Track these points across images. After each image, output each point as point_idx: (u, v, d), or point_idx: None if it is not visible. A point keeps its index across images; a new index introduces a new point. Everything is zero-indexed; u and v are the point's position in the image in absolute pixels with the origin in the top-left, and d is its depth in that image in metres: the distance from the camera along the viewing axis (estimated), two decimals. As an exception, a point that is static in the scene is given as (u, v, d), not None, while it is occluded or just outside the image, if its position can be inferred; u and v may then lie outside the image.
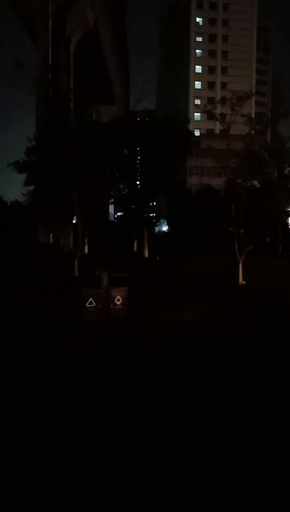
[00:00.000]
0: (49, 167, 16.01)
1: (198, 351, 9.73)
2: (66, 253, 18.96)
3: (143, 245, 31.08)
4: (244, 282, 17.57)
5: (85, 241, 16.94)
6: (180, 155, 26.07)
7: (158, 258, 25.27)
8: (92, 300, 11.20)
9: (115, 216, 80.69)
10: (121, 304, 11.78)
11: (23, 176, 25.56)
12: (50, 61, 34.79)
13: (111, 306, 11.64)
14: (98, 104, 51.42)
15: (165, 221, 57.33)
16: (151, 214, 37.84)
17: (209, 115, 21.89)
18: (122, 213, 59.52)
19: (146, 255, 27.66)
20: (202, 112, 33.52)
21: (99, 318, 11.47)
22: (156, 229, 53.17)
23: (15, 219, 47.25)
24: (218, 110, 27.49)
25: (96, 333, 11.11)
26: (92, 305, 11.23)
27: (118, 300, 11.70)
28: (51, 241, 32.68)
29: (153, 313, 13.05)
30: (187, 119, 27.62)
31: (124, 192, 33.21)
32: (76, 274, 15.22)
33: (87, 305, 11.20)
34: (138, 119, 24.30)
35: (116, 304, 11.70)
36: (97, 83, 52.18)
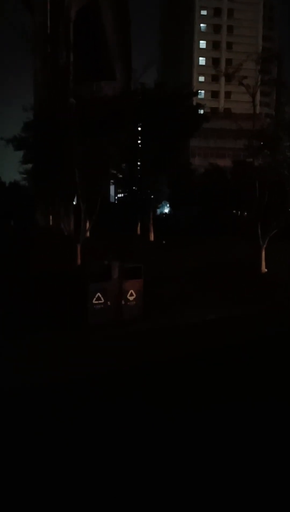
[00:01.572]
0: (48, 145, 14.51)
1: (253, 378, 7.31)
2: (67, 237, 17.57)
3: (146, 227, 29.82)
4: (266, 270, 16.16)
5: (88, 225, 15.56)
6: (189, 132, 24.42)
7: (164, 242, 23.98)
8: (100, 295, 9.37)
9: (116, 197, 78.95)
10: (134, 300, 9.85)
11: (20, 154, 24.04)
12: (48, 31, 32.74)
13: (123, 302, 9.80)
14: (98, 80, 49.21)
15: (167, 203, 55.84)
16: (152, 196, 36.48)
17: (228, 78, 20.03)
18: (123, 195, 58.06)
19: (152, 238, 26.37)
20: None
21: (108, 317, 9.73)
22: (158, 211, 51.73)
23: (14, 201, 45.91)
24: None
25: (105, 339, 9.29)
26: (100, 302, 9.42)
27: (131, 295, 9.82)
28: (50, 223, 31.30)
29: (171, 310, 11.33)
30: (196, 92, 25.66)
31: (126, 172, 31.73)
32: (79, 262, 13.83)
33: (94, 301, 9.39)
34: (143, 92, 22.42)
35: (128, 300, 9.81)
36: (97, 58, 49.90)
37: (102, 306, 9.42)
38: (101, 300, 9.41)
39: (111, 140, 13.84)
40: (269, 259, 16.69)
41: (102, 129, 14.42)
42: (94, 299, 9.39)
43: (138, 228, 33.59)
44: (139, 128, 24.96)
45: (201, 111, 24.02)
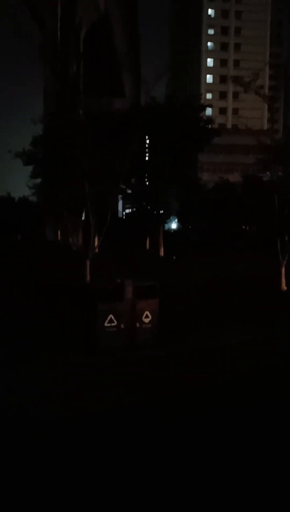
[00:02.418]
0: (57, 158, 14.11)
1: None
2: (75, 252, 17.04)
3: (155, 243, 29.28)
4: (286, 288, 15.21)
5: (98, 240, 15.01)
6: (200, 146, 24.02)
7: (174, 257, 23.39)
8: (112, 317, 8.38)
9: (123, 213, 78.84)
10: (150, 322, 8.86)
11: (29, 169, 23.82)
12: (58, 47, 32.96)
13: (138, 325, 8.81)
14: (108, 96, 49.50)
15: (175, 218, 55.52)
16: (161, 211, 36.11)
17: (245, 85, 19.49)
18: (131, 210, 57.88)
19: (162, 253, 25.82)
20: (232, 81, 31.41)
21: (122, 341, 8.73)
22: (165, 226, 51.34)
23: (22, 216, 45.97)
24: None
25: (116, 367, 8.21)
26: (113, 324, 8.42)
27: (147, 317, 8.85)
28: (59, 238, 30.94)
29: (187, 332, 10.34)
30: (208, 105, 25.24)
31: (135, 187, 31.39)
32: (88, 278, 13.19)
33: (106, 324, 8.40)
34: (154, 105, 22.03)
35: (143, 323, 8.83)
36: (107, 75, 50.24)
37: (114, 329, 8.44)
38: (113, 322, 8.42)
39: (121, 153, 13.38)
40: (288, 276, 15.86)
41: (112, 141, 14.01)
42: (106, 321, 8.40)
43: (147, 243, 33.13)
44: (148, 141, 24.61)
45: (211, 125, 23.60)
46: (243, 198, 31.58)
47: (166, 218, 31.31)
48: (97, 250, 17.15)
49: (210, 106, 26.18)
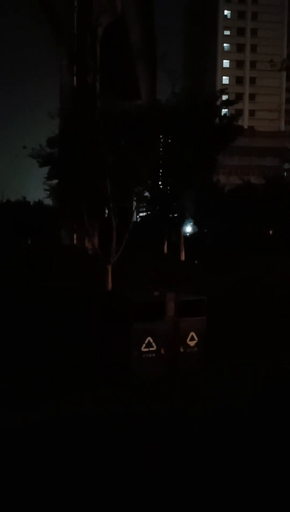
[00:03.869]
0: (76, 156, 13.25)
1: None
2: (92, 257, 16.15)
3: (173, 247, 28.30)
4: None
5: (118, 244, 14.08)
6: (222, 146, 22.94)
7: (197, 262, 22.35)
8: (151, 341, 6.60)
9: (137, 216, 77.97)
10: (196, 345, 7.01)
11: (44, 172, 23.09)
12: (75, 47, 32.37)
13: (182, 349, 6.95)
14: (124, 99, 48.76)
15: (190, 221, 54.60)
16: (175, 214, 35.16)
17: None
18: (146, 213, 56.97)
19: (183, 257, 24.79)
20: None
21: (162, 369, 6.85)
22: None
23: (38, 220, 45.73)
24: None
25: (155, 408, 5.94)
26: (152, 349, 6.65)
27: (192, 339, 7.00)
28: (74, 242, 30.23)
29: (237, 356, 8.19)
30: (233, 100, 24.04)
31: (152, 189, 30.45)
32: (110, 286, 12.21)
33: (143, 349, 6.62)
34: (175, 101, 20.95)
35: (188, 346, 6.96)
36: (123, 77, 49.60)
37: (153, 355, 6.59)
38: (152, 347, 6.57)
39: (145, 150, 12.44)
40: None
41: (134, 139, 13.11)
42: (143, 345, 6.55)
43: (165, 247, 32.22)
44: (169, 140, 23.57)
45: (234, 123, 22.43)
46: (266, 200, 30.43)
47: (183, 221, 30.32)
48: (118, 254, 16.25)
49: (232, 102, 24.95)
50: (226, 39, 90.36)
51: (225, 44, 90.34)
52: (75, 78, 30.95)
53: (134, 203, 21.80)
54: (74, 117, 18.34)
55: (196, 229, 56.83)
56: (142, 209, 61.03)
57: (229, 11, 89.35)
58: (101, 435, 5.27)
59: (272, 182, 33.67)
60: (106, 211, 26.94)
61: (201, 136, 20.90)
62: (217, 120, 22.22)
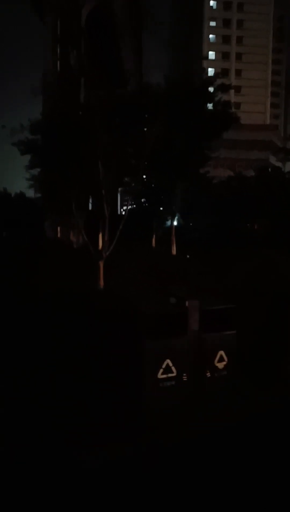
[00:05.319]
0: (64, 140, 11.90)
1: None
2: (80, 252, 14.85)
3: (164, 240, 27.15)
4: None
5: (106, 237, 12.83)
6: (216, 134, 21.72)
7: (188, 256, 21.27)
8: (169, 364, 4.81)
9: (122, 209, 76.46)
10: (225, 367, 5.19)
11: (25, 162, 21.67)
12: (58, 31, 30.80)
13: (208, 373, 5.11)
14: (110, 86, 47.11)
15: (177, 214, 53.65)
16: (161, 208, 33.97)
17: None
18: (131, 206, 55.65)
19: (174, 252, 23.64)
20: None
21: (181, 399, 4.97)
22: (166, 223, 49.54)
23: (20, 213, 44.15)
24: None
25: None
26: (171, 375, 4.84)
27: (221, 359, 5.16)
28: (58, 235, 28.88)
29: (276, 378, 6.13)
30: (229, 85, 22.64)
31: (140, 181, 29.15)
32: (102, 284, 10.92)
33: (160, 375, 4.80)
34: (168, 85, 19.52)
35: (216, 369, 5.14)
36: (109, 65, 47.94)
37: (173, 383, 4.79)
38: (172, 372, 4.77)
39: (141, 135, 11.20)
40: None
41: (127, 120, 11.86)
42: (161, 371, 4.73)
43: (153, 240, 31.15)
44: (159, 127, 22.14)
45: (230, 109, 21.21)
46: (258, 192, 29.52)
47: (173, 215, 29.17)
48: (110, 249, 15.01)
49: (231, 87, 23.66)
50: (212, 30, 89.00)
51: (210, 35, 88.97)
52: (58, 62, 29.40)
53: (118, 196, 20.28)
54: (60, 99, 16.95)
55: (182, 223, 55.91)
56: (125, 202, 59.68)
57: (215, 2, 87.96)
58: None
59: (263, 174, 32.77)
60: (90, 203, 25.63)
61: (195, 123, 19.66)
62: (211, 107, 20.96)
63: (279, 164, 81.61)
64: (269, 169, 37.84)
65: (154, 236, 30.79)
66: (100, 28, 39.10)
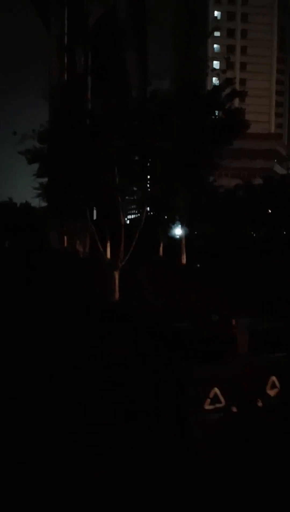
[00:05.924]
0: (76, 145, 11.44)
1: None
2: (87, 261, 14.35)
3: (166, 249, 26.59)
4: None
5: (109, 247, 12.29)
6: (227, 141, 21.26)
7: (199, 265, 20.70)
8: (217, 393, 4.00)
9: (125, 219, 76.08)
10: (277, 395, 4.42)
11: (30, 171, 21.33)
12: (65, 40, 30.71)
13: (260, 403, 4.28)
14: (115, 94, 46.98)
15: (181, 223, 53.36)
16: (167, 216, 33.54)
17: None
18: (136, 216, 55.35)
19: (184, 261, 23.10)
20: None
21: (232, 434, 4.13)
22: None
23: (25, 223, 44.04)
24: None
25: None
26: (219, 406, 4.03)
27: (273, 386, 4.42)
28: (65, 245, 28.42)
29: None
30: (241, 91, 22.21)
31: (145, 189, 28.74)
32: (117, 296, 10.33)
33: (207, 406, 3.99)
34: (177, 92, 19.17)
35: (268, 397, 4.38)
36: (114, 73, 47.91)
37: (220, 414, 4.06)
38: (219, 402, 4.07)
39: (156, 133, 10.61)
40: None
41: (143, 123, 11.39)
42: (207, 400, 4.04)
43: (161, 249, 30.67)
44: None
45: (241, 117, 20.78)
46: (266, 200, 29.04)
47: (181, 223, 28.68)
48: (109, 255, 14.47)
49: (244, 93, 23.33)
50: (216, 40, 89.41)
51: (215, 45, 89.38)
52: (65, 68, 29.26)
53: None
54: (67, 104, 16.60)
55: (187, 232, 55.48)
56: (130, 212, 59.28)
57: (219, 12, 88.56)
58: None
59: (270, 183, 32.33)
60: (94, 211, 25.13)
61: (206, 130, 19.22)
62: (221, 113, 20.54)
63: (283, 172, 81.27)
64: (276, 178, 37.39)
65: (161, 244, 30.32)
66: (106, 35, 39.06)
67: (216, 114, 20.64)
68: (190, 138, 19.92)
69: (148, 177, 12.59)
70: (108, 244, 20.10)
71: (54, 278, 12.95)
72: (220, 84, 21.20)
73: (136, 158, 10.89)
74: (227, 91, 20.74)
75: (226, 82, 20.96)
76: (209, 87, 24.56)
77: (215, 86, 21.39)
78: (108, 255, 22.14)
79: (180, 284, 11.89)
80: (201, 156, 21.06)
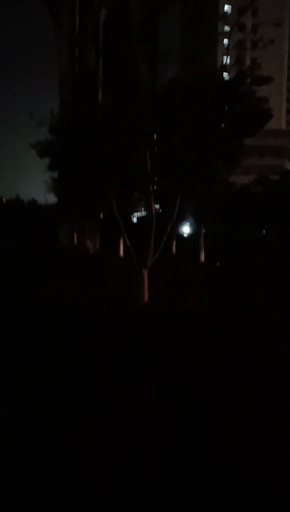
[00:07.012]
0: (91, 136, 10.55)
1: None
2: (98, 260, 13.47)
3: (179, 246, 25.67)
4: None
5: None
6: (246, 136, 20.21)
7: (218, 264, 19.79)
8: None
9: (134, 216, 75.04)
10: None
11: (39, 167, 20.55)
12: (76, 33, 29.88)
13: None
14: (126, 91, 46.22)
15: (190, 221, 52.57)
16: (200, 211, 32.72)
17: None
18: (145, 212, 54.49)
19: (202, 259, 22.19)
20: None
21: None
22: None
23: (32, 220, 43.53)
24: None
25: None
26: None
27: None
28: (75, 242, 27.62)
29: None
30: (267, 77, 20.97)
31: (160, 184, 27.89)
32: (146, 299, 9.20)
33: None
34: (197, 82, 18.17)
35: None
36: (125, 70, 47.13)
37: None
38: None
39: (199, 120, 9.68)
40: None
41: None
42: None
43: (174, 246, 29.85)
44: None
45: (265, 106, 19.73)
46: (283, 196, 28.06)
47: (199, 220, 27.82)
48: (122, 253, 13.53)
49: (270, 79, 22.16)
50: (226, 35, 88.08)
51: (225, 40, 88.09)
52: (76, 63, 28.46)
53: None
54: (81, 92, 15.71)
55: (195, 230, 54.53)
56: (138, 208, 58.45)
57: (229, 7, 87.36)
58: None
59: (287, 179, 31.31)
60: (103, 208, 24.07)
61: (230, 120, 18.16)
62: (244, 103, 19.47)
63: (294, 170, 79.80)
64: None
65: (174, 242, 29.49)
66: (117, 31, 38.17)
67: (239, 103, 19.56)
68: (212, 130, 18.92)
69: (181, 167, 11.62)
70: (121, 241, 19.27)
71: (70, 279, 12.13)
72: (245, 70, 20.08)
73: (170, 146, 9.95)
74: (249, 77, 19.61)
75: (251, 68, 19.81)
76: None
77: (239, 71, 20.24)
78: (121, 252, 21.28)
79: (207, 284, 11.00)
80: (222, 151, 20.03)
